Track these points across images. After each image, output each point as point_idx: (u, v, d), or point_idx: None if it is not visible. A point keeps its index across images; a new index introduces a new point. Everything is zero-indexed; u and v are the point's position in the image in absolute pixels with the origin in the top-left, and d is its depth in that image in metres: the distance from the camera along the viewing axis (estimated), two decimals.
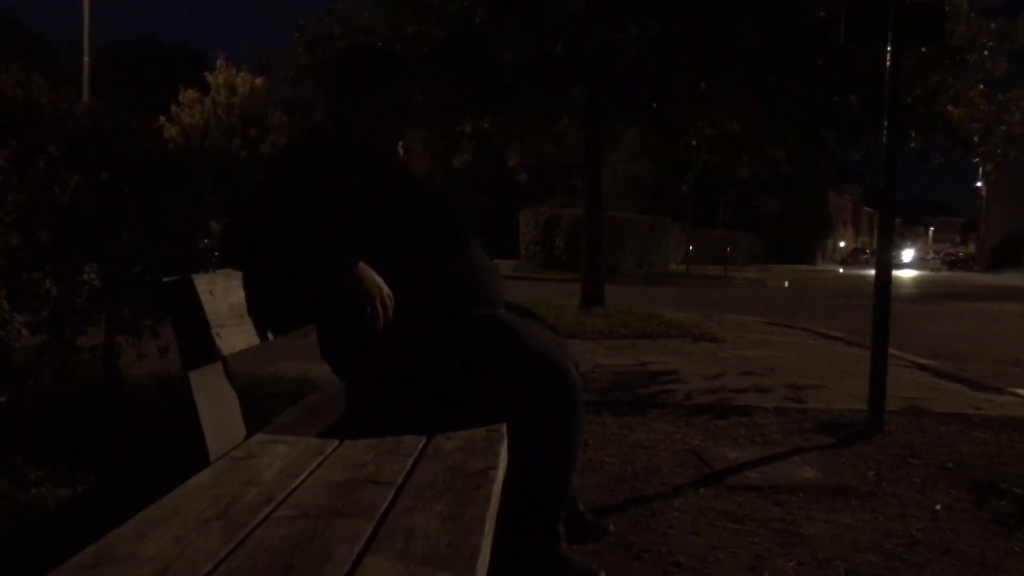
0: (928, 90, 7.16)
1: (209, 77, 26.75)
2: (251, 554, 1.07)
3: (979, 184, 52.93)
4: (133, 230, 3.27)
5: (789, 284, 22.14)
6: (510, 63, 8.10)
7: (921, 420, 4.18)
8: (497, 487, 1.42)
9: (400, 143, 2.21)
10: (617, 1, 7.84)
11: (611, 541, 2.42)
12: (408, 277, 1.97)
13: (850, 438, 3.78)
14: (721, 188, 25.50)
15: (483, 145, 10.31)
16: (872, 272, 4.16)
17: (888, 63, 3.98)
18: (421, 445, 1.66)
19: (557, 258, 22.54)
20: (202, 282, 1.61)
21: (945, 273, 40.44)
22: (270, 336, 1.92)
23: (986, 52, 7.04)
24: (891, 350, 4.21)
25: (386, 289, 1.85)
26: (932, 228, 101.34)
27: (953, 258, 58.46)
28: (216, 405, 1.61)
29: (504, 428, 1.82)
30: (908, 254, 55.31)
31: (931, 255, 58.43)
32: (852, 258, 58.96)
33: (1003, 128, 7.38)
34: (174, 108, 26.50)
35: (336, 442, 1.68)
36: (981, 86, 7.28)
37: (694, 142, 9.79)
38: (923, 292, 20.04)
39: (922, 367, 6.14)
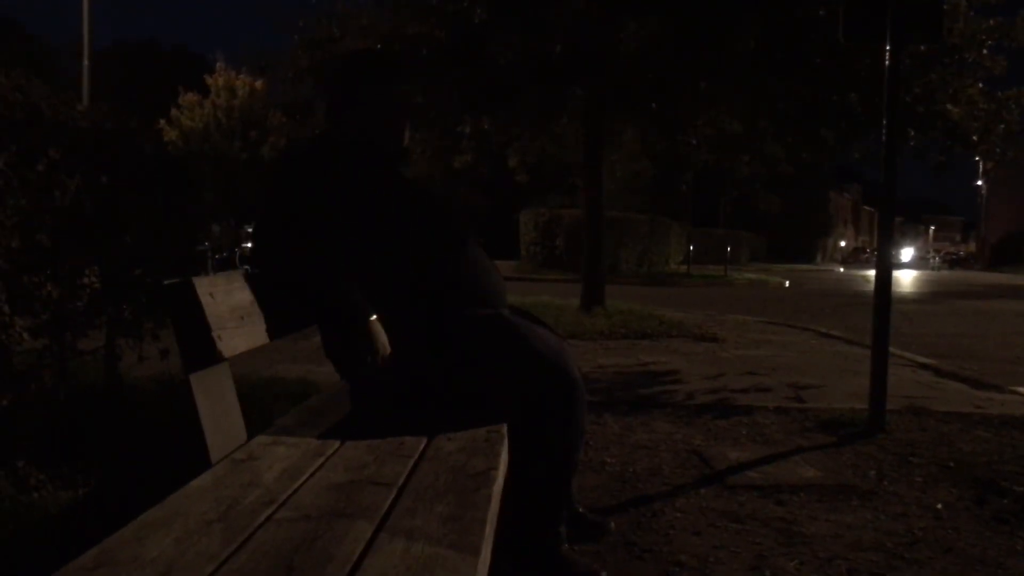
0: (927, 88, 7.15)
1: (209, 80, 26.77)
2: (252, 556, 1.07)
3: (979, 183, 52.92)
4: (133, 233, 3.27)
5: (789, 284, 22.13)
6: (510, 63, 8.10)
7: (922, 419, 4.18)
8: (498, 488, 1.42)
9: (402, 144, 2.22)
10: (617, 0, 7.84)
11: (612, 541, 2.43)
12: (409, 278, 1.97)
13: (851, 437, 3.78)
14: (721, 187, 25.49)
15: (483, 145, 10.31)
16: (872, 271, 4.16)
17: (887, 61, 3.98)
18: (422, 446, 1.66)
19: (557, 258, 22.52)
20: (202, 284, 1.61)
21: (945, 272, 40.40)
22: (271, 338, 1.93)
23: (985, 50, 7.03)
24: (892, 349, 4.21)
25: (388, 348, 1.89)
26: (932, 227, 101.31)
27: (953, 257, 58.45)
28: (217, 407, 1.61)
29: (504, 429, 1.82)
30: (908, 253, 55.14)
31: (931, 254, 58.36)
32: (852, 257, 58.93)
33: (1002, 126, 7.37)
34: (174, 111, 26.50)
35: (337, 443, 1.69)
36: (980, 84, 7.27)
37: (694, 141, 9.78)
38: (923, 291, 20.03)
39: (923, 366, 6.14)
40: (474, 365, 1.96)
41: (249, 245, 1.93)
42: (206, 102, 26.08)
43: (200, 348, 1.58)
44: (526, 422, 1.94)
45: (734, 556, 2.34)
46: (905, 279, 26.20)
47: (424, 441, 1.70)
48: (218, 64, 26.86)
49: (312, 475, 1.45)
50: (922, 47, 6.50)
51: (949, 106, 7.12)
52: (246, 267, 1.96)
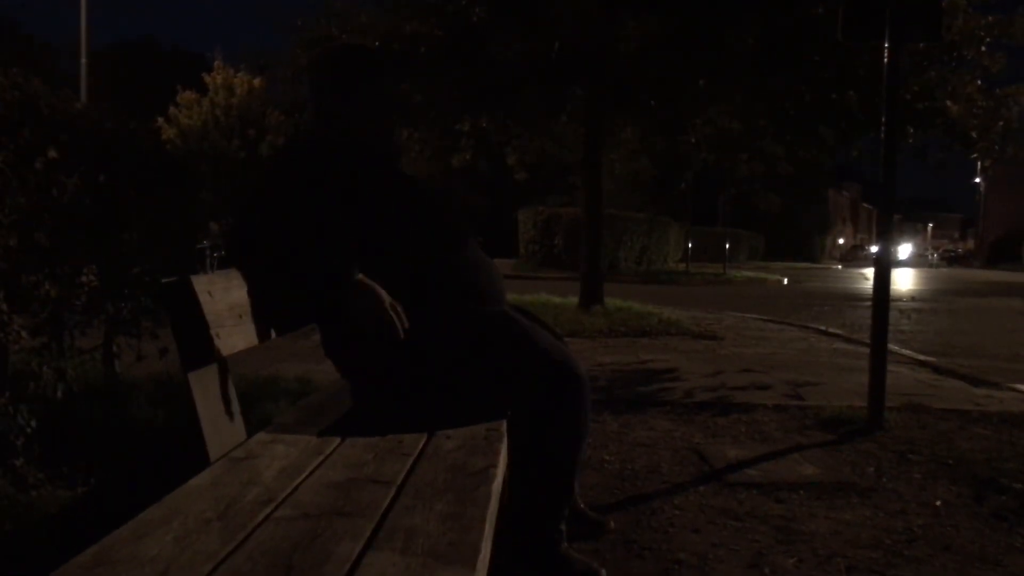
0: (926, 86, 7.15)
1: (207, 78, 26.73)
2: (251, 554, 1.07)
3: (977, 180, 52.93)
4: (132, 231, 3.27)
5: (788, 281, 22.14)
6: (508, 62, 8.10)
7: (921, 416, 4.18)
8: (497, 486, 1.42)
9: (393, 140, 2.21)
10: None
11: (612, 539, 2.43)
12: (407, 276, 1.97)
13: (850, 435, 3.78)
14: (721, 186, 25.46)
15: (482, 144, 10.31)
16: (871, 269, 4.16)
17: (886, 60, 3.98)
18: (421, 444, 1.66)
19: (556, 257, 22.52)
20: (200, 283, 1.61)
21: (944, 269, 40.43)
22: (273, 335, 1.93)
23: (984, 47, 7.03)
24: (890, 347, 4.21)
25: (389, 298, 1.83)
26: (931, 224, 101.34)
27: (952, 254, 58.47)
28: (215, 405, 1.61)
29: (504, 427, 1.82)
30: (905, 249, 54.95)
31: (929, 251, 58.36)
32: (851, 255, 58.94)
33: (1001, 124, 7.37)
34: (172, 109, 26.47)
35: (336, 442, 1.68)
36: (979, 81, 7.27)
37: (693, 140, 9.78)
38: (922, 288, 20.04)
39: (922, 363, 6.15)
40: (477, 362, 1.96)
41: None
42: (204, 100, 26.04)
43: (198, 346, 1.57)
44: (530, 419, 1.94)
45: (733, 554, 2.35)
46: (903, 277, 26.21)
47: (423, 439, 1.70)
48: (216, 63, 26.83)
49: (311, 473, 1.45)
50: (921, 45, 6.49)
51: (948, 103, 7.12)
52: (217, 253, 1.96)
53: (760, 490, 2.94)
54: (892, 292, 4.02)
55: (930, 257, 51.99)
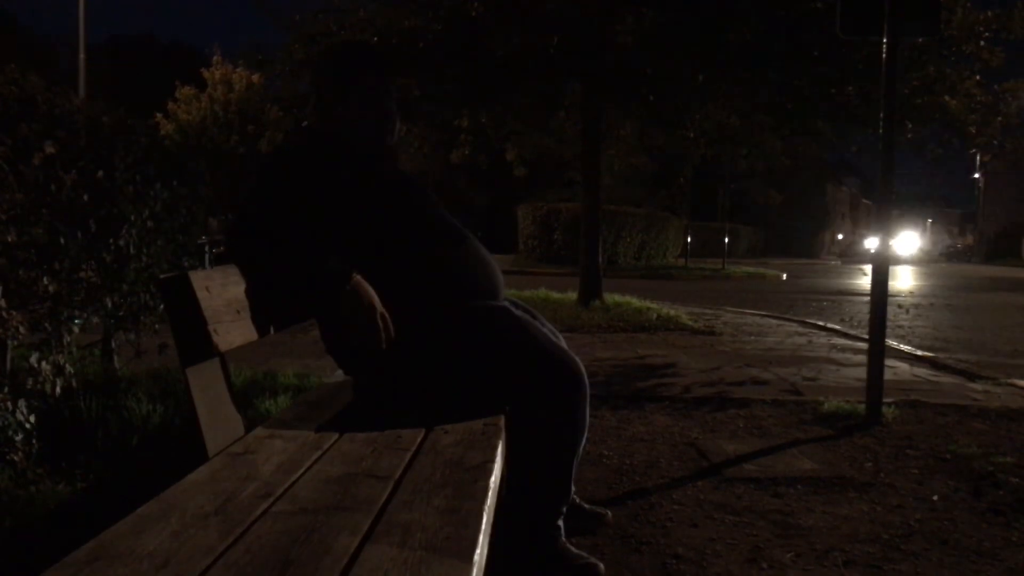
0: (925, 81, 7.15)
1: (206, 73, 26.66)
2: (249, 549, 1.07)
3: (976, 175, 52.90)
4: (130, 227, 3.27)
5: (787, 277, 22.16)
6: (507, 56, 8.09)
7: (919, 411, 4.19)
8: (495, 480, 1.42)
9: (393, 136, 2.21)
10: None
11: (610, 534, 2.43)
12: (406, 272, 1.97)
13: (848, 430, 3.79)
14: (720, 181, 25.46)
15: (481, 139, 10.30)
16: (869, 265, 4.17)
17: (884, 54, 3.98)
18: (419, 439, 1.66)
19: (555, 252, 22.53)
20: (198, 278, 1.61)
21: (943, 265, 40.45)
22: (271, 330, 1.93)
23: (982, 42, 7.03)
24: (889, 342, 4.22)
25: (380, 307, 1.83)
26: (930, 220, 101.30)
27: (951, 249, 58.45)
28: (214, 401, 1.61)
29: (502, 421, 1.83)
30: (910, 244, 54.24)
31: (929, 246, 58.27)
32: (850, 250, 58.92)
33: (1000, 119, 7.37)
34: (170, 105, 26.40)
35: (334, 437, 1.69)
36: (977, 76, 7.27)
37: (692, 135, 9.78)
38: (920, 284, 20.06)
39: (920, 358, 6.15)
40: (476, 357, 1.96)
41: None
42: (203, 96, 26.02)
43: (196, 342, 1.58)
44: (529, 415, 1.94)
45: (731, 548, 2.35)
46: (902, 272, 26.21)
47: (421, 434, 1.70)
48: (215, 58, 26.77)
49: (309, 468, 1.46)
50: (919, 39, 6.49)
51: (947, 98, 7.12)
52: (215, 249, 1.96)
53: (758, 485, 2.94)
54: (890, 288, 4.02)
55: (930, 252, 51.85)
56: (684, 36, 7.68)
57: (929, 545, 2.40)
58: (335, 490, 1.32)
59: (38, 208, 2.82)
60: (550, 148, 11.55)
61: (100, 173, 3.11)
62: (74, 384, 2.89)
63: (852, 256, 51.11)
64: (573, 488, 2.24)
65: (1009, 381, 5.14)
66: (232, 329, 1.70)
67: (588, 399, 2.02)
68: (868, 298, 4.04)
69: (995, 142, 7.55)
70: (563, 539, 2.07)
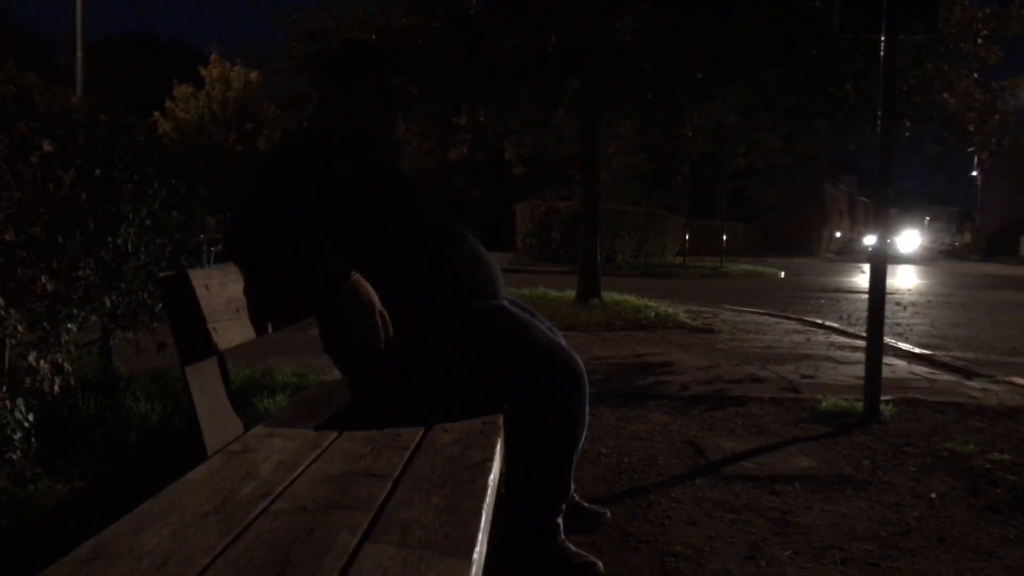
0: (923, 79, 7.16)
1: (203, 72, 26.60)
2: (249, 547, 1.07)
3: (974, 173, 52.91)
4: (128, 226, 3.27)
5: (785, 275, 22.18)
6: (505, 54, 8.09)
7: (916, 409, 4.20)
8: (494, 479, 1.43)
9: (393, 135, 2.21)
10: None
11: (609, 532, 2.44)
12: (405, 270, 1.97)
13: (846, 427, 3.79)
14: (718, 179, 25.46)
15: (479, 138, 10.30)
16: (867, 264, 4.17)
17: (882, 53, 3.98)
18: (418, 438, 1.66)
19: (554, 251, 22.52)
20: (197, 277, 1.61)
21: (941, 263, 40.47)
22: (270, 328, 1.93)
23: (980, 40, 7.03)
24: (887, 340, 4.22)
25: (379, 306, 1.83)
26: (928, 218, 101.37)
27: (948, 247, 58.42)
28: (213, 399, 1.61)
29: (500, 420, 1.83)
30: (914, 241, 53.65)
31: (930, 244, 58.19)
32: (848, 248, 58.89)
33: (997, 117, 7.38)
34: (168, 103, 26.33)
35: (334, 435, 1.69)
36: (975, 74, 7.28)
37: (690, 133, 9.79)
38: (918, 282, 20.07)
39: (918, 356, 6.16)
40: (475, 356, 1.96)
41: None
42: (201, 94, 25.96)
43: (195, 340, 1.58)
44: (527, 413, 1.95)
45: (729, 546, 2.36)
46: (901, 270, 26.23)
47: (420, 433, 1.70)
48: (213, 56, 26.71)
49: (308, 467, 1.46)
50: (918, 37, 6.50)
51: (945, 96, 7.13)
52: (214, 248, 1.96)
53: (756, 483, 2.95)
54: (888, 285, 4.02)
55: (928, 250, 51.74)
56: (683, 35, 7.68)
57: (927, 543, 2.40)
58: (334, 488, 1.32)
59: (36, 207, 2.82)
60: (548, 146, 11.55)
61: (98, 171, 3.10)
62: (72, 383, 2.89)
63: (849, 253, 51.10)
64: (572, 486, 2.24)
65: (1007, 379, 5.15)
66: (231, 328, 1.70)
67: (587, 397, 2.02)
68: (866, 296, 4.04)
69: (993, 140, 7.56)
70: (562, 537, 2.07)
